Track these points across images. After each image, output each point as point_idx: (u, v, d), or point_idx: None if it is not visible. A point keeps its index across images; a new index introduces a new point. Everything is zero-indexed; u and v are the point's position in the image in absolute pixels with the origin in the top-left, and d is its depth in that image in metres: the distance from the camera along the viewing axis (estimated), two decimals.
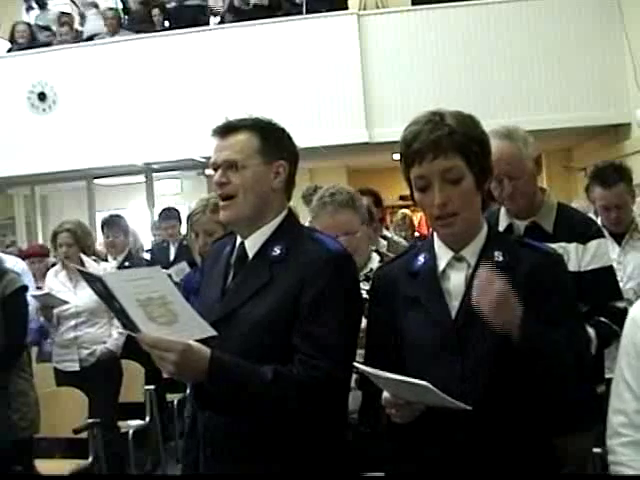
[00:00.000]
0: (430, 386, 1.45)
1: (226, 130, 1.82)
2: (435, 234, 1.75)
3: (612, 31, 7.77)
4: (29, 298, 3.84)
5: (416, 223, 9.81)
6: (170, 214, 6.52)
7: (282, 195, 1.87)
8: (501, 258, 1.66)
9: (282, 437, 1.71)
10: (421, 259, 1.74)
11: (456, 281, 1.68)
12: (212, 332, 1.58)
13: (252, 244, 1.83)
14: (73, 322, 4.41)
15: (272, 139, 1.83)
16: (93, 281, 1.56)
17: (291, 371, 1.66)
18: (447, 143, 1.60)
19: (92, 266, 4.48)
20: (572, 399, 1.62)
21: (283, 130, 1.87)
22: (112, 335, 4.45)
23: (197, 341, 1.58)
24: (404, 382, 1.48)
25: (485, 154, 1.67)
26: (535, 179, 2.50)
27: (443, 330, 1.64)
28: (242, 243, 1.86)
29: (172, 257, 6.17)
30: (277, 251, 1.79)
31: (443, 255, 1.71)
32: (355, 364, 1.57)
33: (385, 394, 1.57)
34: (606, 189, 3.33)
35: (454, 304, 1.65)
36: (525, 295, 1.60)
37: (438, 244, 1.73)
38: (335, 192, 2.60)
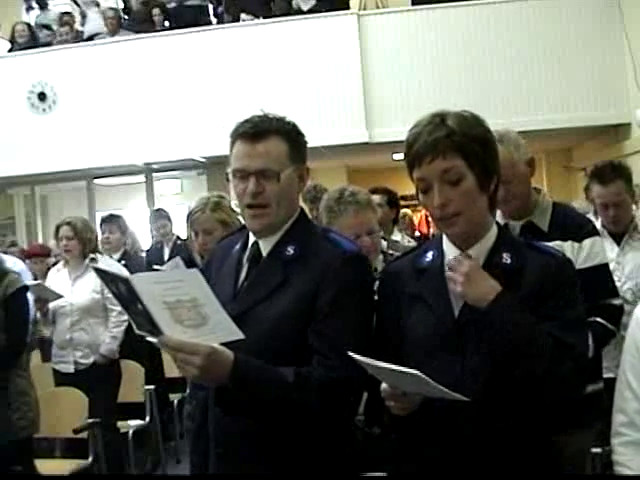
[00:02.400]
0: (421, 375, 1.45)
1: (256, 135, 1.76)
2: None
3: (612, 31, 7.77)
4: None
5: (416, 222, 9.84)
6: (159, 214, 6.57)
7: (299, 196, 1.88)
8: (509, 260, 1.66)
9: (295, 437, 1.70)
10: (429, 256, 1.75)
11: None
12: (240, 335, 1.55)
13: (267, 243, 1.83)
14: (68, 321, 4.41)
15: (297, 143, 1.82)
16: (114, 281, 1.51)
17: (311, 373, 1.66)
18: (445, 144, 1.60)
19: (106, 263, 4.55)
20: (570, 399, 1.62)
21: (301, 132, 1.85)
22: (105, 340, 4.44)
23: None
24: (397, 371, 1.49)
25: (488, 154, 1.66)
26: (528, 181, 2.51)
27: (444, 328, 1.64)
28: (256, 242, 1.85)
29: (166, 257, 6.18)
30: (291, 251, 1.78)
31: (450, 254, 1.71)
32: (349, 354, 1.56)
33: (383, 385, 1.57)
34: (604, 187, 3.32)
35: (458, 303, 1.65)
36: (533, 297, 1.61)
37: (446, 242, 1.73)
38: (356, 192, 2.63)
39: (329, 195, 2.73)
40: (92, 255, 4.53)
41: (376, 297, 1.84)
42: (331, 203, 2.65)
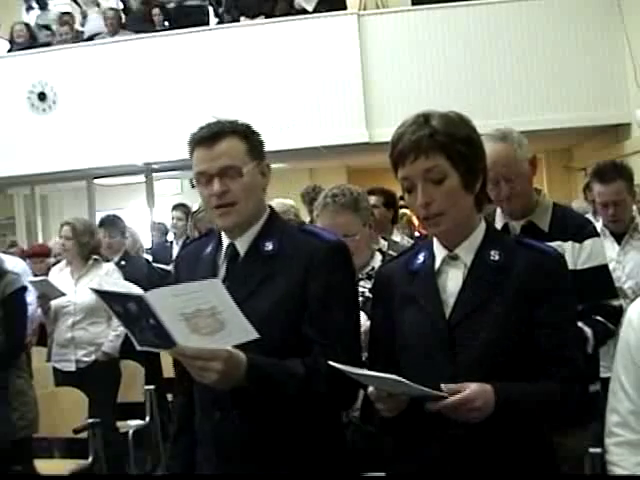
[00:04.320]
0: (398, 378, 1.46)
1: (212, 138, 1.80)
2: None
3: (612, 31, 7.77)
4: (28, 297, 3.85)
5: (416, 223, 9.81)
6: (178, 208, 6.64)
7: (264, 194, 1.90)
8: (497, 257, 1.66)
9: (288, 437, 1.72)
10: (420, 258, 1.75)
11: (451, 280, 1.68)
12: (255, 335, 1.56)
13: (243, 243, 1.83)
14: (70, 321, 4.42)
15: (254, 141, 1.85)
16: (120, 301, 1.50)
17: (317, 363, 1.68)
18: (427, 143, 1.61)
19: (103, 267, 4.54)
20: (567, 400, 1.62)
21: (256, 131, 1.88)
22: (108, 337, 4.44)
23: None
24: (376, 377, 1.50)
25: (473, 154, 1.65)
26: (530, 180, 2.51)
27: (436, 329, 1.64)
28: (231, 244, 1.85)
29: (174, 257, 6.18)
30: (270, 246, 1.80)
31: (439, 254, 1.71)
32: (330, 362, 1.57)
33: (370, 389, 1.57)
34: (603, 185, 3.32)
35: (449, 303, 1.65)
36: (520, 295, 1.61)
37: (436, 244, 1.73)
38: (338, 193, 2.61)
39: (323, 192, 2.73)
40: (95, 256, 4.53)
41: (372, 298, 1.85)
42: (319, 200, 2.67)
